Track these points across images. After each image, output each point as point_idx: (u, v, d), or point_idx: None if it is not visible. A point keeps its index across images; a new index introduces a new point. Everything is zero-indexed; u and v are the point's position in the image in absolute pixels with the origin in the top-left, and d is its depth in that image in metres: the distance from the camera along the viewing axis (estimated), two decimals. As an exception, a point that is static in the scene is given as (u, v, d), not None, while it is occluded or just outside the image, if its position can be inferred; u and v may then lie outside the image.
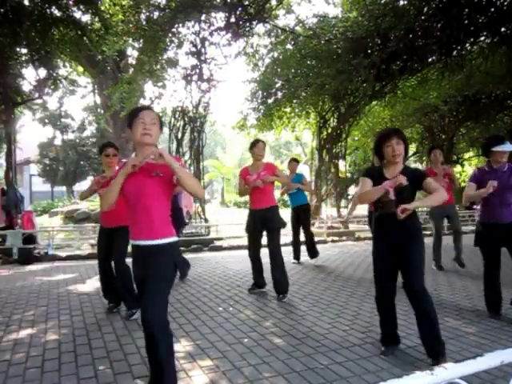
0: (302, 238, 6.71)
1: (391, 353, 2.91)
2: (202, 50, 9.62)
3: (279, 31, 10.55)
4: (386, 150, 2.77)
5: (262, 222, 4.50)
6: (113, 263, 3.86)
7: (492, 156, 3.65)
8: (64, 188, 24.64)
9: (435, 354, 2.69)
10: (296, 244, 6.71)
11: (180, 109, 9.88)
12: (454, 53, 9.19)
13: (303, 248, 6.74)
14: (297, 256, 6.70)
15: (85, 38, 9.27)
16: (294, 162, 6.84)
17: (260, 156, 4.60)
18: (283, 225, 4.63)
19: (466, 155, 19.17)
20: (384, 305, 2.98)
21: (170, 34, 9.36)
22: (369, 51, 9.26)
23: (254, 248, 4.67)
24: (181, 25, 9.21)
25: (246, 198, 5.04)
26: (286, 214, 7.10)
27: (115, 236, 3.76)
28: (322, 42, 9.73)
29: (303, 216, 6.57)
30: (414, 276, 2.74)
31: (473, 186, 3.71)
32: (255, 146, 4.59)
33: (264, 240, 4.65)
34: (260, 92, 11.26)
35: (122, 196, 2.23)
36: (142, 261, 2.23)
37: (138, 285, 2.31)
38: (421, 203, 2.82)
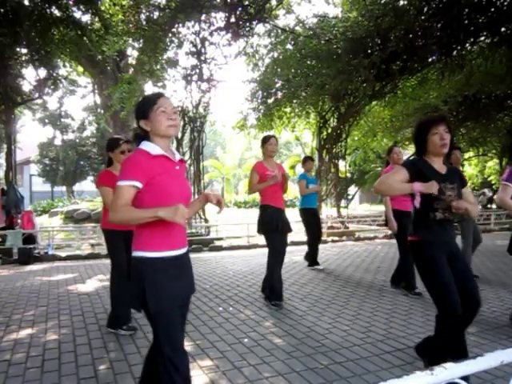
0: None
1: None
2: (202, 50, 9.63)
3: (279, 31, 10.55)
4: (431, 138, 2.38)
5: (281, 222, 4.22)
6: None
7: None
8: (64, 188, 24.64)
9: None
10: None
11: (180, 109, 9.88)
12: (454, 53, 9.20)
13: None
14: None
15: (85, 38, 9.29)
16: (311, 160, 6.36)
17: (273, 152, 4.34)
18: None
19: (466, 155, 19.19)
20: (457, 322, 2.42)
21: (170, 34, 9.37)
22: (369, 51, 9.26)
23: (281, 246, 4.27)
24: (181, 25, 9.22)
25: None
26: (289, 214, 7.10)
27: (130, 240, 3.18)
28: (322, 42, 9.73)
29: (318, 219, 6.39)
30: (477, 288, 2.47)
31: (511, 188, 3.18)
32: (267, 141, 4.32)
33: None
34: (260, 92, 11.26)
35: (156, 194, 1.78)
36: (180, 275, 1.86)
37: (173, 308, 1.82)
38: (470, 208, 2.35)
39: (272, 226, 4.16)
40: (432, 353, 2.54)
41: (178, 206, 1.66)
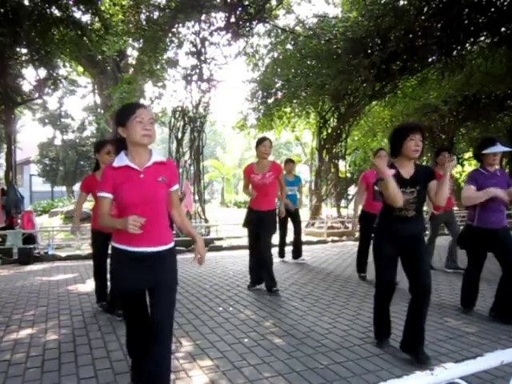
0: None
1: (388, 345, 3.02)
2: (202, 50, 9.60)
3: (279, 31, 10.54)
4: (407, 143, 2.65)
5: (258, 223, 4.58)
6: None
7: (485, 159, 3.60)
8: (64, 188, 24.62)
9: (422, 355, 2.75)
10: (283, 245, 6.83)
11: (180, 109, 9.87)
12: (454, 53, 9.19)
13: (288, 248, 6.85)
14: (282, 254, 6.83)
15: (85, 38, 9.27)
16: (291, 162, 6.80)
17: (266, 154, 4.53)
18: (275, 231, 4.76)
19: (466, 155, 19.18)
20: (386, 302, 3.02)
21: (170, 34, 9.35)
22: (369, 51, 9.26)
23: (255, 242, 4.71)
24: (181, 25, 9.20)
25: (246, 197, 5.08)
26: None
27: None
28: (322, 42, 9.72)
29: (297, 219, 6.66)
30: (426, 275, 2.79)
31: (473, 189, 3.59)
32: (261, 143, 4.51)
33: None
34: (260, 92, 11.25)
35: (119, 200, 2.07)
36: (144, 268, 2.08)
37: (132, 294, 2.17)
38: (443, 187, 2.64)
39: (248, 225, 4.73)
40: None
41: (126, 218, 1.89)
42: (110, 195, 2.05)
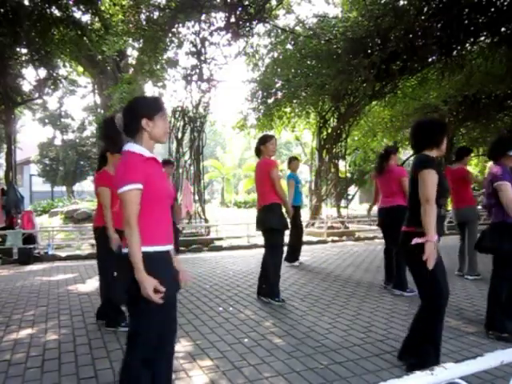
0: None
1: None
2: (202, 50, 9.62)
3: (279, 31, 10.56)
4: (445, 140, 2.65)
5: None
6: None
7: (504, 159, 3.37)
8: (64, 188, 24.63)
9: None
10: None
11: (180, 109, 9.88)
12: (454, 53, 9.21)
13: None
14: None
15: (85, 38, 9.28)
16: (296, 160, 6.55)
17: (274, 152, 4.37)
18: None
19: (466, 155, 19.16)
20: (444, 310, 2.59)
21: (170, 34, 9.37)
22: (369, 51, 9.27)
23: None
24: (181, 25, 9.22)
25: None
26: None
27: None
28: (322, 42, 9.73)
29: (300, 217, 6.52)
30: None
31: (510, 186, 3.20)
32: (269, 141, 4.28)
33: (259, 240, 4.62)
34: (260, 92, 11.27)
35: (150, 193, 1.79)
36: (175, 270, 1.92)
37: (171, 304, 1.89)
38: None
39: (285, 223, 4.31)
40: (424, 351, 2.54)
41: (153, 280, 1.69)
42: (142, 186, 1.75)
